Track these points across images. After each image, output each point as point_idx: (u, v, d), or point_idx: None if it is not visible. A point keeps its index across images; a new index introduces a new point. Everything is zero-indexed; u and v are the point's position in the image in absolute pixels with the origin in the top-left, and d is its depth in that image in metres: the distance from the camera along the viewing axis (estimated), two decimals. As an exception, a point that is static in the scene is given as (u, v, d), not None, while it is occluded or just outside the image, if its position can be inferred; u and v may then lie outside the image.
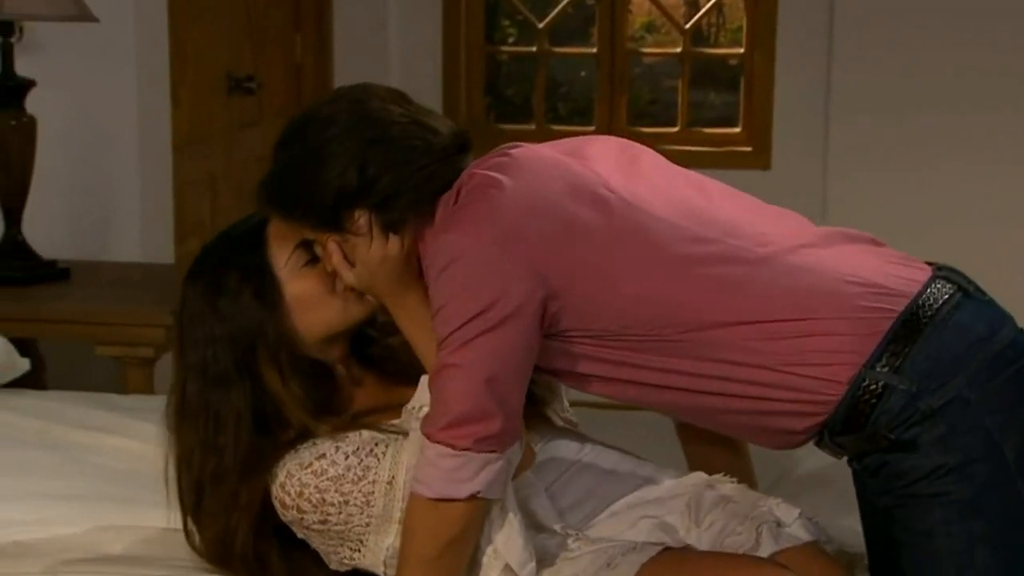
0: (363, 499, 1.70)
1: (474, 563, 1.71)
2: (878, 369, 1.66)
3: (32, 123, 2.90)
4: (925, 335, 1.66)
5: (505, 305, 1.62)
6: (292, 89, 4.60)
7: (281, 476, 1.71)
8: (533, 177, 1.71)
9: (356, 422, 1.76)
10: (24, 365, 2.64)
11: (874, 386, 1.66)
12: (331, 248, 1.73)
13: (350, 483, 1.70)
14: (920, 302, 1.68)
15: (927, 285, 1.71)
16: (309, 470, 1.70)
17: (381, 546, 1.71)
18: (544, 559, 1.75)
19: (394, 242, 1.72)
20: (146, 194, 3.49)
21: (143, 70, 3.46)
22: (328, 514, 1.70)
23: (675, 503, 1.81)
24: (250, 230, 1.79)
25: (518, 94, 5.52)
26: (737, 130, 4.94)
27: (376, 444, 1.72)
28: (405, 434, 1.74)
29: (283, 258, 1.76)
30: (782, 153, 4.78)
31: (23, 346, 2.71)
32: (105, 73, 3.37)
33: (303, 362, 1.75)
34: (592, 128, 5.11)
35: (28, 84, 2.89)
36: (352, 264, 1.73)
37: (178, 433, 1.76)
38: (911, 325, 1.67)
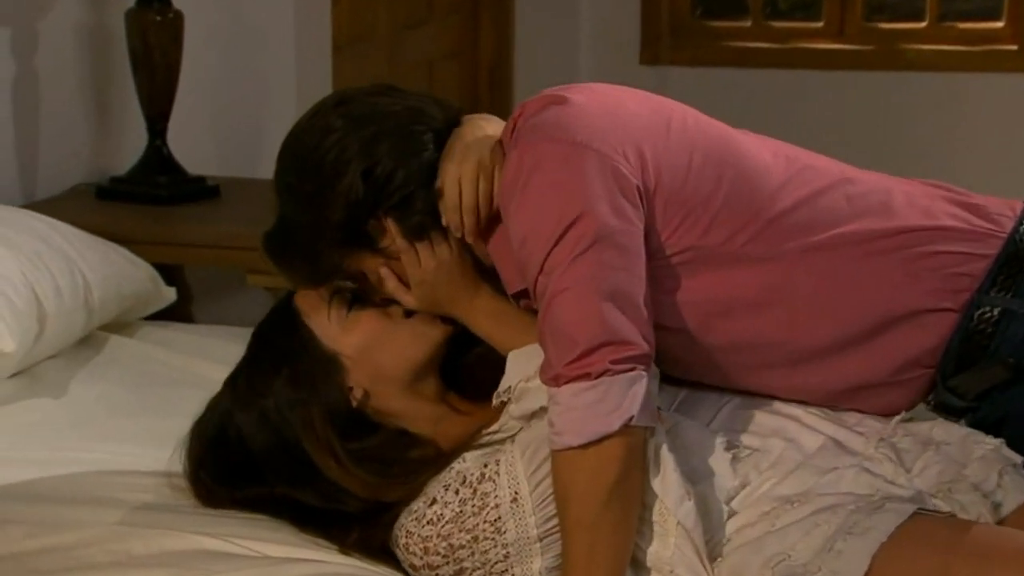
0: (492, 529, 1.72)
1: (644, 525, 1.70)
2: (993, 294, 1.69)
3: (179, 19, 2.95)
4: None
5: (601, 208, 1.64)
6: (465, -18, 4.60)
7: (402, 538, 1.75)
8: (600, 91, 1.78)
9: (454, 453, 1.79)
10: (170, 295, 2.72)
11: (990, 313, 1.69)
12: (383, 274, 1.80)
13: (472, 516, 1.72)
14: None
15: None
16: (425, 521, 1.73)
17: (532, 572, 1.73)
18: (713, 514, 1.72)
19: (439, 243, 1.78)
20: (302, 100, 3.53)
21: (301, -41, 3.50)
22: (461, 560, 1.72)
23: (867, 452, 1.78)
24: (278, 311, 1.87)
25: (731, -16, 5.40)
26: (1000, 24, 4.74)
27: (485, 466, 1.74)
28: (511, 437, 1.76)
29: (323, 317, 1.83)
30: (1055, 53, 4.57)
31: (168, 273, 2.79)
32: (258, -37, 3.44)
33: (362, 438, 1.80)
34: (819, 24, 4.97)
35: (174, -25, 2.95)
36: (408, 287, 1.80)
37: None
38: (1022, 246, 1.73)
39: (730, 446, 1.77)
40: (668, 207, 1.72)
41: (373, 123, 1.77)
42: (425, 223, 1.78)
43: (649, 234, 1.71)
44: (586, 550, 1.65)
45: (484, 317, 1.82)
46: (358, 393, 1.83)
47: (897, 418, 1.81)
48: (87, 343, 2.50)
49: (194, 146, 3.18)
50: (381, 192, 1.75)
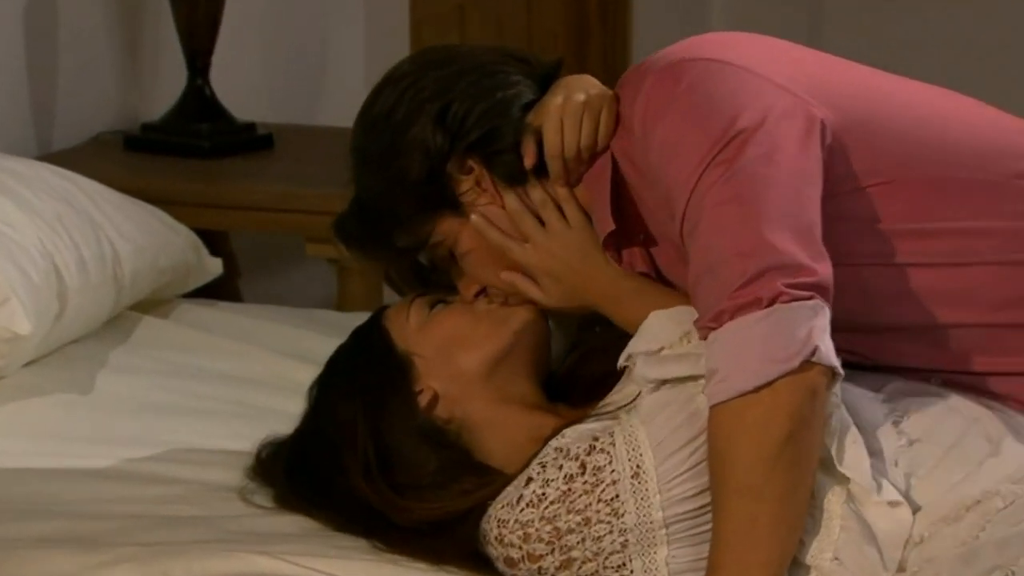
0: (608, 511, 1.72)
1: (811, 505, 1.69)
2: None
3: (224, -66, 2.99)
4: None
5: (771, 118, 1.69)
6: None
7: (493, 530, 1.76)
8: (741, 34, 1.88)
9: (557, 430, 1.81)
10: (215, 267, 2.75)
11: None
12: (506, 277, 1.86)
13: (583, 495, 1.73)
14: None
15: None
16: (524, 503, 1.75)
17: (656, 565, 1.73)
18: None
19: (549, 215, 1.83)
20: (372, 29, 3.56)
21: None
22: (570, 547, 1.73)
23: None
24: (364, 323, 1.95)
25: None
26: None
27: (595, 437, 1.75)
28: (626, 407, 1.76)
29: (402, 317, 1.90)
30: None
31: (212, 241, 2.83)
32: None
33: (417, 461, 1.85)
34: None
35: None
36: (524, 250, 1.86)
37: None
38: None
39: (893, 411, 1.78)
40: (850, 137, 1.75)
41: (452, 64, 1.83)
42: (516, 171, 1.82)
43: (831, 165, 1.73)
44: (745, 523, 1.63)
45: (631, 297, 1.84)
46: (426, 397, 1.87)
47: None
48: (116, 325, 2.53)
49: (242, 87, 3.21)
50: (458, 132, 1.80)
